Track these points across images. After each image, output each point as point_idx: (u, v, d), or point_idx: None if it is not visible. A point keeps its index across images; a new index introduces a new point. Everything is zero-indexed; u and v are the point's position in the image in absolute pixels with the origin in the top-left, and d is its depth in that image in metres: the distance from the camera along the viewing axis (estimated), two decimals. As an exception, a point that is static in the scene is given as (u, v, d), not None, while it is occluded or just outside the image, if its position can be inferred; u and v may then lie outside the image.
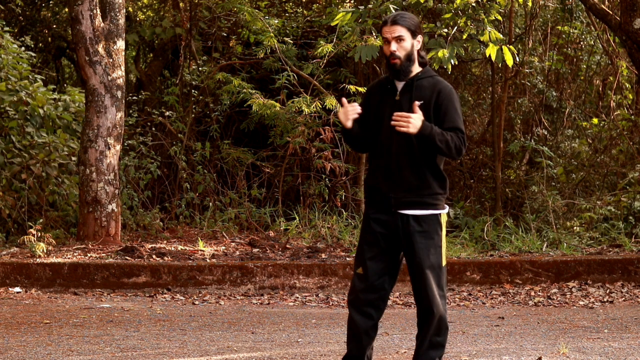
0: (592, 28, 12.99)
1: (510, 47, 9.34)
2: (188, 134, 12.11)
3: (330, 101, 11.05)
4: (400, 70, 4.90)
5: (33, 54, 12.38)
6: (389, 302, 8.51)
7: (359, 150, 5.39)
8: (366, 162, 11.54)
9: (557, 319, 7.68)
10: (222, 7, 12.62)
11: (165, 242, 10.33)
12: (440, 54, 9.00)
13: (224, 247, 10.07)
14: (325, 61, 11.34)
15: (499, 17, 9.97)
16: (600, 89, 13.69)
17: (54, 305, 8.10)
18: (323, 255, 9.57)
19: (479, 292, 8.92)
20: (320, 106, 11.12)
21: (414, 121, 4.77)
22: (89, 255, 9.36)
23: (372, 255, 4.94)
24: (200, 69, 12.59)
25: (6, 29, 11.66)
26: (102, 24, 10.05)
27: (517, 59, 10.52)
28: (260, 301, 8.59)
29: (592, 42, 13.36)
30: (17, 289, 8.77)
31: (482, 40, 9.44)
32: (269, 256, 9.58)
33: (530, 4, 12.34)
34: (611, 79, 13.32)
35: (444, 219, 4.95)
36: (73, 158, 10.88)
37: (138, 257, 9.27)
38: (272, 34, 11.44)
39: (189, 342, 6.56)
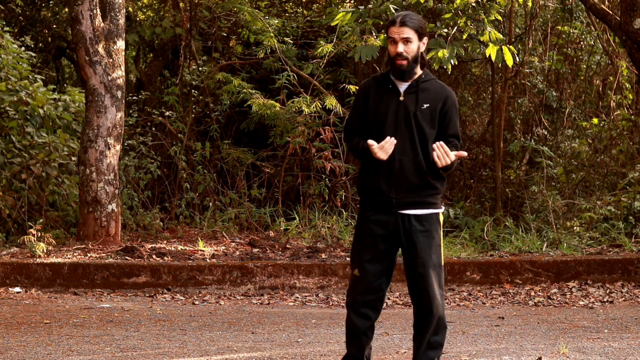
0: (592, 28, 12.99)
1: (510, 47, 9.34)
2: (188, 134, 12.12)
3: (330, 101, 11.05)
4: (406, 71, 4.89)
5: (33, 54, 12.38)
6: (389, 302, 8.51)
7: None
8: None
9: (557, 319, 7.68)
10: (222, 7, 12.63)
11: (165, 242, 10.33)
12: (440, 54, 9.00)
13: (224, 247, 10.07)
14: (325, 61, 11.34)
15: (499, 17, 9.97)
16: (600, 89, 13.69)
17: (54, 305, 8.10)
18: (323, 255, 9.57)
19: (479, 292, 8.92)
20: (320, 106, 11.12)
21: (449, 161, 4.83)
22: (89, 255, 9.37)
23: (370, 257, 4.94)
24: (200, 69, 12.59)
25: (6, 29, 11.66)
26: (102, 24, 10.05)
27: (517, 59, 10.52)
28: (260, 301, 8.59)
29: (592, 42, 13.36)
30: (17, 289, 8.77)
31: (482, 40, 9.44)
32: (269, 256, 9.58)
33: (530, 4, 12.34)
34: (611, 79, 13.32)
35: (441, 218, 4.99)
36: (73, 158, 10.88)
37: (138, 257, 9.27)
38: (272, 34, 11.45)
39: (189, 342, 6.56)
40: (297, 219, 10.95)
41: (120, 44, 10.17)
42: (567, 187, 12.32)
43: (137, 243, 10.05)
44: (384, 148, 4.82)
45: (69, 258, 9.20)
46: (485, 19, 9.40)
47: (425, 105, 4.89)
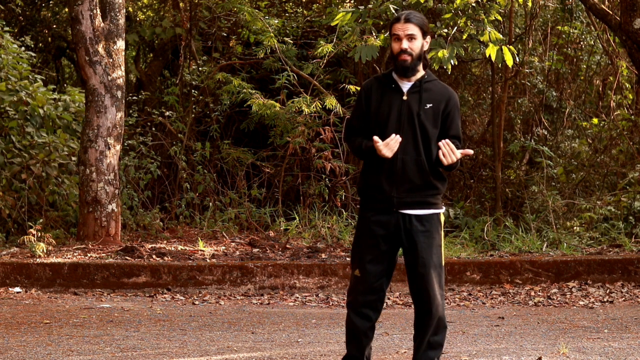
0: (592, 28, 12.99)
1: (510, 47, 9.34)
2: (188, 134, 12.12)
3: (330, 101, 11.05)
4: (409, 68, 4.89)
5: (33, 54, 12.38)
6: (389, 302, 8.51)
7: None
8: (365, 161, 11.52)
9: (557, 319, 7.68)
10: (222, 7, 12.63)
11: (165, 242, 10.33)
12: (440, 54, 9.00)
13: (224, 247, 10.07)
14: (325, 61, 11.34)
15: (499, 17, 9.97)
16: (600, 89, 13.69)
17: (54, 305, 8.10)
18: (323, 255, 9.57)
19: (479, 292, 8.92)
20: (320, 106, 11.13)
21: (455, 159, 4.82)
22: (89, 255, 9.37)
23: (371, 258, 4.93)
24: (200, 69, 12.59)
25: (6, 29, 11.66)
26: (102, 24, 10.05)
27: (517, 59, 10.52)
28: (260, 301, 8.59)
29: (592, 42, 13.36)
30: (17, 289, 8.77)
31: (482, 40, 9.44)
32: (269, 256, 9.58)
33: (530, 4, 12.34)
34: (611, 79, 13.33)
35: (442, 218, 4.98)
36: (73, 158, 10.88)
37: (138, 257, 9.27)
38: (272, 34, 11.45)
39: (189, 342, 6.56)
40: (297, 219, 10.95)
41: (120, 44, 10.17)
42: (567, 187, 12.33)
43: (137, 243, 10.05)
44: (389, 145, 4.81)
45: (69, 258, 9.20)
46: (485, 19, 9.40)
47: (428, 105, 4.89)
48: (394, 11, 9.43)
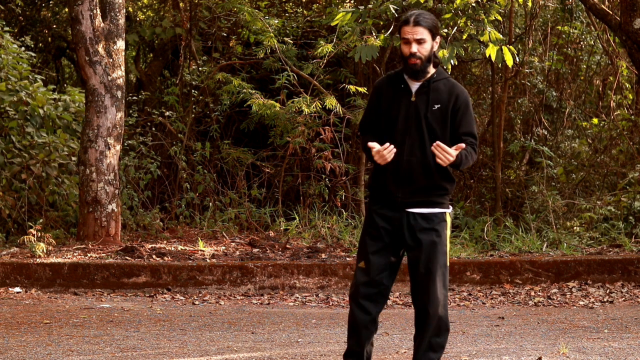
0: (592, 28, 12.99)
1: (510, 47, 9.35)
2: (188, 134, 12.11)
3: (330, 101, 11.05)
4: (419, 71, 4.86)
5: (33, 54, 12.38)
6: (389, 302, 8.50)
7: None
8: (366, 161, 11.54)
9: (557, 319, 7.68)
10: (222, 7, 12.62)
11: (165, 242, 10.33)
12: (440, 54, 9.00)
13: (224, 247, 10.07)
14: (325, 61, 11.34)
15: (499, 17, 9.97)
16: (600, 89, 13.69)
17: (54, 305, 8.10)
18: (323, 255, 9.57)
19: (479, 292, 8.92)
20: (320, 106, 11.12)
21: (451, 158, 4.77)
22: (89, 255, 9.37)
23: (375, 249, 4.92)
24: (200, 69, 12.59)
25: (6, 29, 11.66)
26: (102, 24, 10.05)
27: (517, 59, 10.52)
28: (260, 301, 8.59)
29: (592, 42, 13.36)
30: (17, 289, 8.77)
31: (482, 40, 9.44)
32: (269, 256, 9.58)
33: (530, 4, 12.34)
34: (611, 79, 13.32)
35: (449, 218, 4.95)
36: (73, 158, 10.88)
37: (138, 257, 9.27)
38: (272, 34, 11.44)
39: (189, 342, 6.56)
40: (297, 219, 10.95)
41: (120, 44, 10.17)
42: (567, 187, 12.32)
43: (137, 243, 10.05)
44: (380, 153, 4.81)
45: (69, 258, 9.20)
46: (485, 19, 9.41)
47: (436, 106, 4.87)
48: (393, 11, 9.44)
